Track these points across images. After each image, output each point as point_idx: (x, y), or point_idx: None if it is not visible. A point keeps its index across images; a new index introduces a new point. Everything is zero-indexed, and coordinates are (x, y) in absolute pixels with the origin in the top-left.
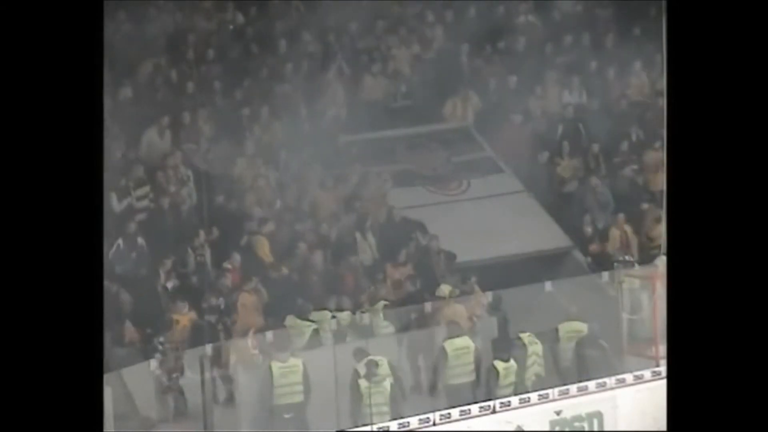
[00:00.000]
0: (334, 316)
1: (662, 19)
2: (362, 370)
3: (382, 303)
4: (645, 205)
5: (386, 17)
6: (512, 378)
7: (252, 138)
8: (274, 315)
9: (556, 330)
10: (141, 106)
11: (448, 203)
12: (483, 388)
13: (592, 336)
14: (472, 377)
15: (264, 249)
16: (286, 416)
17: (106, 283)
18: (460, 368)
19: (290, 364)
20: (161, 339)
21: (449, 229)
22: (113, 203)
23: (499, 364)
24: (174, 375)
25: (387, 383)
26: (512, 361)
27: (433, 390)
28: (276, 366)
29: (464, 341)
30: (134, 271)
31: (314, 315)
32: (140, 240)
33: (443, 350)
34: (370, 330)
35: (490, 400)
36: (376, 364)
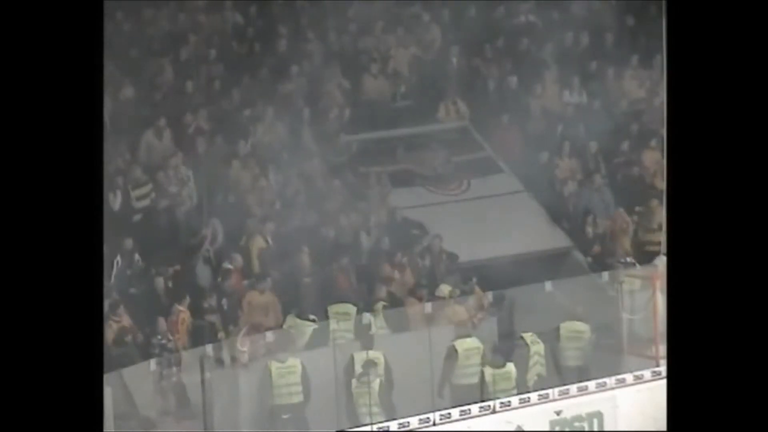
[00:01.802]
0: (360, 310)
1: (662, 19)
2: (358, 371)
3: (381, 303)
4: (645, 205)
5: (386, 17)
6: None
7: (252, 138)
8: (275, 315)
9: (557, 329)
10: (141, 106)
11: (449, 203)
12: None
13: (593, 336)
14: (477, 378)
15: (252, 254)
16: (285, 416)
17: (106, 282)
18: (469, 368)
19: (289, 365)
20: (161, 339)
21: (449, 229)
22: (113, 203)
23: (487, 370)
24: (174, 375)
25: (377, 384)
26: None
27: (441, 390)
28: (274, 366)
29: (474, 342)
30: (134, 270)
31: (334, 308)
32: (140, 240)
33: (454, 350)
34: (370, 330)
35: (490, 400)
36: (374, 364)
